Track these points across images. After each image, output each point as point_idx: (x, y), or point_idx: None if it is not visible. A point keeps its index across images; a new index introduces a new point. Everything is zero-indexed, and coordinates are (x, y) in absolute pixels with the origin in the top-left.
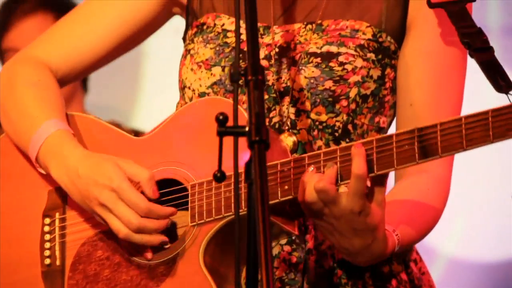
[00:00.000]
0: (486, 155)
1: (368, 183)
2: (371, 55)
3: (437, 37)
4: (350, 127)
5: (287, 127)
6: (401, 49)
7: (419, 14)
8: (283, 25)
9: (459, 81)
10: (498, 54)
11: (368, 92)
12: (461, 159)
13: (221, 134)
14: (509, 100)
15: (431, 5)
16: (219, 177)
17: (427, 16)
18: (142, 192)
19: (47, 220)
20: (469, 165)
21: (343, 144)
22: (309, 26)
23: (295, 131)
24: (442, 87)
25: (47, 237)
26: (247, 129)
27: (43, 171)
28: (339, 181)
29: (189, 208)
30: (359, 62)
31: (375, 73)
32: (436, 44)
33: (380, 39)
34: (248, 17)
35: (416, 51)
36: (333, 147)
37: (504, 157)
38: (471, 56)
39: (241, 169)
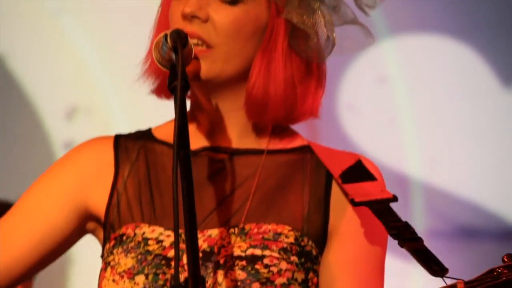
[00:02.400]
0: None
1: None
2: (295, 258)
3: (361, 242)
4: None
5: None
6: (324, 255)
7: (341, 219)
8: (205, 230)
9: (381, 280)
10: None
11: None
12: None
13: None
14: (445, 282)
15: (355, 204)
16: None
17: (349, 220)
18: None
19: None
20: None
21: None
22: (232, 229)
23: None
24: None
25: None
26: None
27: None
28: None
29: None
30: (284, 265)
31: (299, 276)
32: (359, 249)
33: (302, 243)
34: (187, 228)
35: (340, 257)
36: None
37: None
38: (401, 245)
39: None
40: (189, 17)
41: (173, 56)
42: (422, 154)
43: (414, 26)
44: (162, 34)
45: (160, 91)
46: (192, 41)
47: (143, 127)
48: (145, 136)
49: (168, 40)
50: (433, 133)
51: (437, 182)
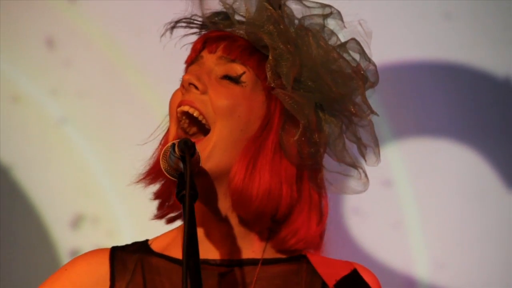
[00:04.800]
0: None
1: None
2: None
3: None
4: None
5: None
6: None
7: None
8: None
9: None
10: None
11: None
12: None
13: None
14: None
15: None
16: None
17: None
18: None
19: None
20: None
21: None
22: None
23: None
24: None
25: None
26: None
27: None
28: None
29: None
30: None
31: None
32: None
33: None
34: None
35: None
36: None
37: None
38: None
39: None
40: (187, 85)
41: (181, 165)
42: (428, 256)
43: (417, 129)
44: (169, 144)
45: (161, 215)
46: (184, 108)
47: (149, 235)
48: (142, 249)
49: (176, 149)
50: (438, 235)
51: (444, 284)
